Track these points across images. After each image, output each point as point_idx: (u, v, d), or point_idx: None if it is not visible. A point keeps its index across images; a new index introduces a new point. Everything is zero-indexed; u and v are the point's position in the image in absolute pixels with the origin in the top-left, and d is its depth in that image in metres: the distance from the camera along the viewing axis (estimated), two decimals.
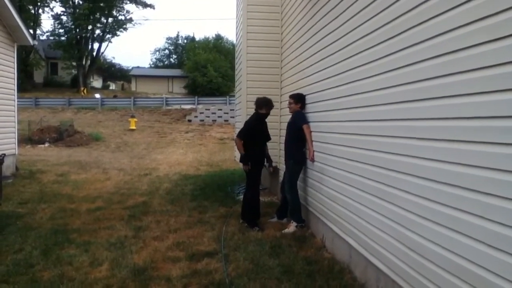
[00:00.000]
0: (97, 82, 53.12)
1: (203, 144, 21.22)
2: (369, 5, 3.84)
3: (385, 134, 3.57)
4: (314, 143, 5.64)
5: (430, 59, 2.86)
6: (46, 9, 47.17)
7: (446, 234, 2.68)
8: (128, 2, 47.38)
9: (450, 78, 2.64)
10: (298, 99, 6.03)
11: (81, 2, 44.46)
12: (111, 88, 54.79)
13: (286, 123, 6.28)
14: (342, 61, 4.57)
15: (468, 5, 2.47)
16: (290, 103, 6.08)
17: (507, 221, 2.17)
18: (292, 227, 5.79)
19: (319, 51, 5.40)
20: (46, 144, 19.97)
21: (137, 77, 53.63)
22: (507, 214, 2.17)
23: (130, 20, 48.11)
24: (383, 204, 3.58)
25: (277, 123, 7.67)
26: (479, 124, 2.40)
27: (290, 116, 6.18)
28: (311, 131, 5.74)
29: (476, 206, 2.40)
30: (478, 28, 2.38)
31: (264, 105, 6.27)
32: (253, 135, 6.17)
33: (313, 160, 5.61)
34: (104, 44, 49.27)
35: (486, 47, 2.32)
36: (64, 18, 45.38)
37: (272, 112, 7.67)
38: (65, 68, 44.92)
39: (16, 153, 11.32)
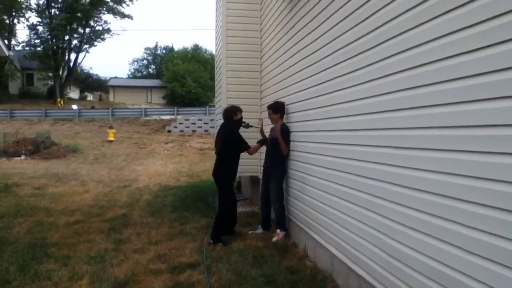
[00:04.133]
0: (74, 93, 52.50)
1: (183, 155, 21.11)
2: (349, 15, 3.90)
3: (366, 143, 3.62)
4: (294, 152, 5.69)
5: (409, 69, 2.92)
6: (22, 19, 46.74)
7: (427, 241, 2.72)
8: (106, 12, 47.19)
9: (429, 88, 2.70)
10: (277, 109, 6.00)
11: (57, 13, 44.04)
12: (88, 99, 54.22)
13: (268, 134, 6.30)
14: (321, 71, 4.63)
15: (447, 16, 2.54)
16: (269, 114, 6.06)
17: (487, 227, 2.22)
18: (281, 235, 5.82)
19: (298, 61, 5.46)
20: (22, 157, 19.58)
21: (115, 87, 53.26)
22: (486, 220, 2.22)
23: (108, 30, 47.78)
24: (364, 212, 3.62)
25: (257, 133, 7.69)
26: (458, 132, 2.45)
27: (271, 126, 6.18)
28: (288, 152, 5.86)
29: (456, 213, 2.45)
30: (457, 38, 2.44)
31: (237, 110, 6.17)
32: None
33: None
34: (81, 55, 49.15)
35: (465, 57, 2.38)
36: (40, 28, 44.96)
37: (252, 122, 7.71)
38: (41, 79, 44.28)
39: None
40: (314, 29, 4.86)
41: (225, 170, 6.01)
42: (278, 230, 5.91)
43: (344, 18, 4.02)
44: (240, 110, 6.21)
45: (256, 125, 6.59)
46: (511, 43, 2.06)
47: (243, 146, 6.04)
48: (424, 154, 2.76)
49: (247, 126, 6.30)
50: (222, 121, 7.94)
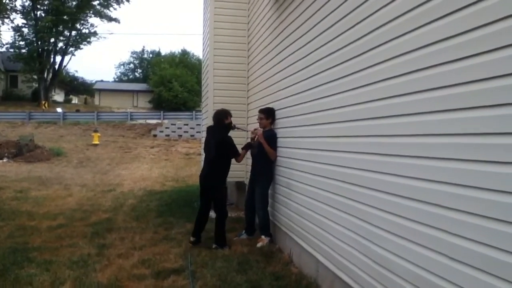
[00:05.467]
0: (59, 96, 51.94)
1: (169, 159, 20.97)
2: (336, 22, 3.94)
3: (351, 150, 3.64)
4: (280, 158, 5.70)
5: (394, 77, 2.95)
6: (6, 20, 45.81)
7: (412, 248, 2.74)
8: (93, 15, 46.80)
9: (414, 96, 2.73)
10: (269, 114, 6.00)
11: (43, 15, 43.54)
12: (73, 102, 53.72)
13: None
14: (309, 78, 4.65)
15: (432, 25, 2.57)
16: (260, 118, 6.04)
17: (472, 235, 2.24)
18: (266, 241, 5.82)
19: (286, 67, 5.48)
20: (5, 160, 19.26)
21: (101, 91, 52.85)
22: (472, 228, 2.24)
23: (94, 33, 47.34)
24: (349, 218, 3.64)
25: (244, 139, 7.70)
26: (442, 140, 2.48)
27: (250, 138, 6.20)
28: (276, 157, 5.84)
29: (441, 221, 2.47)
30: (444, 47, 2.48)
31: (228, 114, 6.11)
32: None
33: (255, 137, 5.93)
34: (67, 57, 48.63)
35: (450, 66, 2.41)
36: (25, 30, 44.31)
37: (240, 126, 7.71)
38: (26, 81, 43.69)
39: None
40: (300, 37, 4.90)
41: (219, 174, 5.91)
42: (262, 236, 5.90)
43: (329, 28, 4.06)
44: (231, 114, 6.16)
45: (243, 128, 6.55)
46: (500, 51, 2.10)
47: (233, 151, 5.95)
48: (409, 162, 2.78)
49: (234, 127, 6.24)
50: (208, 125, 7.93)
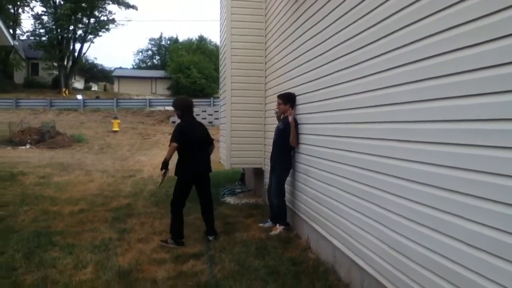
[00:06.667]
0: (79, 83, 52.59)
1: None
2: (350, 10, 3.91)
3: (368, 136, 3.63)
4: (300, 145, 5.69)
5: (409, 63, 2.93)
6: (26, 8, 46.44)
7: (428, 234, 2.74)
8: (111, 2, 47.02)
9: (430, 82, 2.71)
10: (287, 100, 5.83)
11: (62, 2, 43.95)
12: (93, 89, 54.37)
13: (275, 126, 6.19)
14: (324, 64, 4.63)
15: (446, 11, 2.54)
16: (279, 104, 5.91)
17: (486, 221, 2.24)
18: (279, 229, 5.80)
19: (302, 54, 5.45)
20: (28, 146, 19.70)
21: (119, 78, 53.29)
22: (486, 214, 2.24)
23: (113, 20, 47.72)
24: (367, 205, 3.64)
25: (262, 125, 7.71)
26: (460, 126, 2.46)
27: (276, 117, 6.17)
28: (296, 144, 5.73)
29: (456, 206, 2.47)
30: (455, 34, 2.45)
31: None
32: None
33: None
34: (86, 45, 49.05)
35: (463, 52, 2.39)
36: (45, 18, 44.85)
37: (256, 114, 7.74)
38: (46, 68, 44.31)
39: None
40: (318, 22, 4.85)
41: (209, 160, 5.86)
42: (277, 225, 5.87)
43: (347, 12, 4.02)
44: None
45: None
46: (507, 39, 2.07)
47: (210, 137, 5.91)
48: (425, 148, 2.77)
49: None
50: (226, 112, 7.96)
